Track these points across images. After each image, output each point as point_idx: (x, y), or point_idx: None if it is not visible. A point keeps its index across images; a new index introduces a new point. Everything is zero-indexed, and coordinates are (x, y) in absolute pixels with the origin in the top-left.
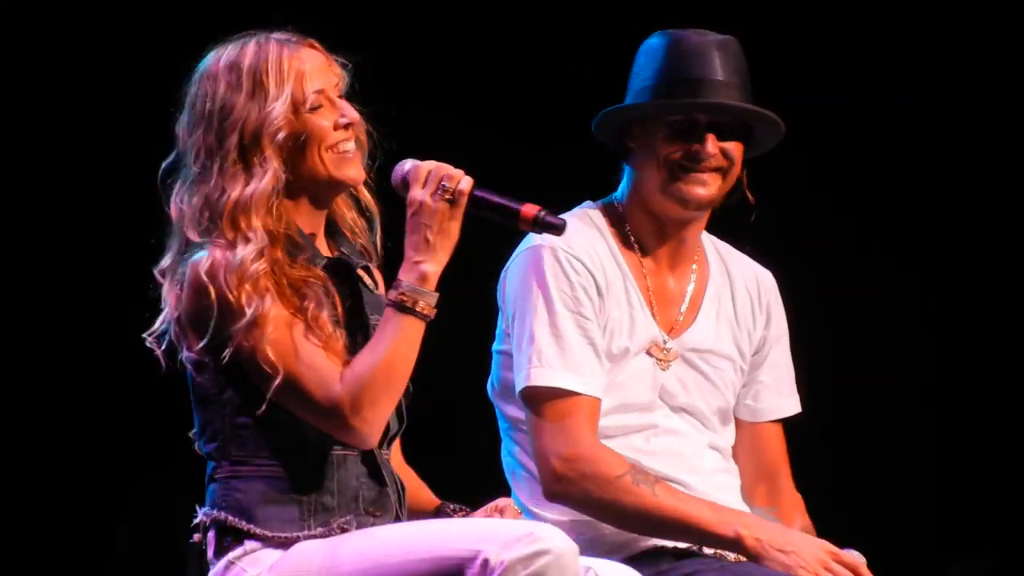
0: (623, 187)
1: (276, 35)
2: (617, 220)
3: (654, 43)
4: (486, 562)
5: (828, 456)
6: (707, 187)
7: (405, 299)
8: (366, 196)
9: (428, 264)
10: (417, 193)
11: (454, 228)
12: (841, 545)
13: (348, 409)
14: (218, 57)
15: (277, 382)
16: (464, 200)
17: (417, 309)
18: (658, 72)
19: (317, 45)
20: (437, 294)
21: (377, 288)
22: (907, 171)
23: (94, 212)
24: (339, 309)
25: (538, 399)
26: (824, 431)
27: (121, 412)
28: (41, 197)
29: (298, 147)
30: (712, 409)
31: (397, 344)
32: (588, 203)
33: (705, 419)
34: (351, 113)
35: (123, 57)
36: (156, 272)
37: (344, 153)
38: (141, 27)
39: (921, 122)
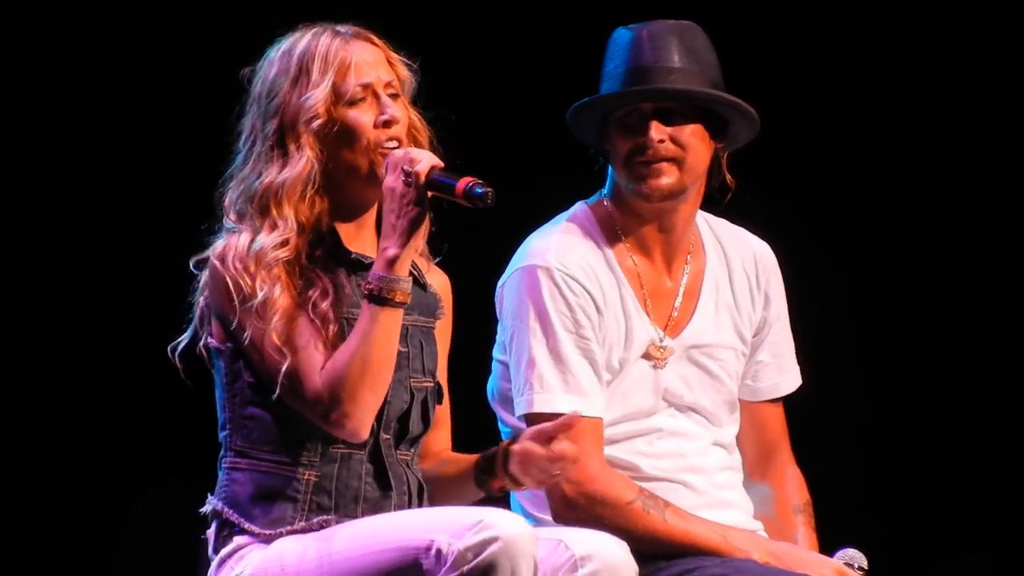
0: (607, 186)
1: (338, 27)
2: (607, 219)
3: (613, 37)
4: (439, 551)
5: (828, 442)
6: (664, 177)
7: (372, 288)
8: None
9: (392, 249)
10: (387, 180)
11: (415, 211)
12: (840, 541)
13: (327, 401)
14: (280, 44)
15: (276, 370)
16: (420, 182)
17: (385, 296)
18: (613, 67)
19: (377, 41)
20: (405, 279)
21: (425, 285)
22: (905, 148)
23: (104, 215)
24: (343, 303)
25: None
26: (824, 416)
27: (127, 414)
28: (49, 200)
29: (337, 139)
30: (717, 404)
31: (368, 335)
32: (580, 204)
33: (711, 415)
34: (393, 111)
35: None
36: (192, 263)
37: (387, 152)
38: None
39: (916, 104)
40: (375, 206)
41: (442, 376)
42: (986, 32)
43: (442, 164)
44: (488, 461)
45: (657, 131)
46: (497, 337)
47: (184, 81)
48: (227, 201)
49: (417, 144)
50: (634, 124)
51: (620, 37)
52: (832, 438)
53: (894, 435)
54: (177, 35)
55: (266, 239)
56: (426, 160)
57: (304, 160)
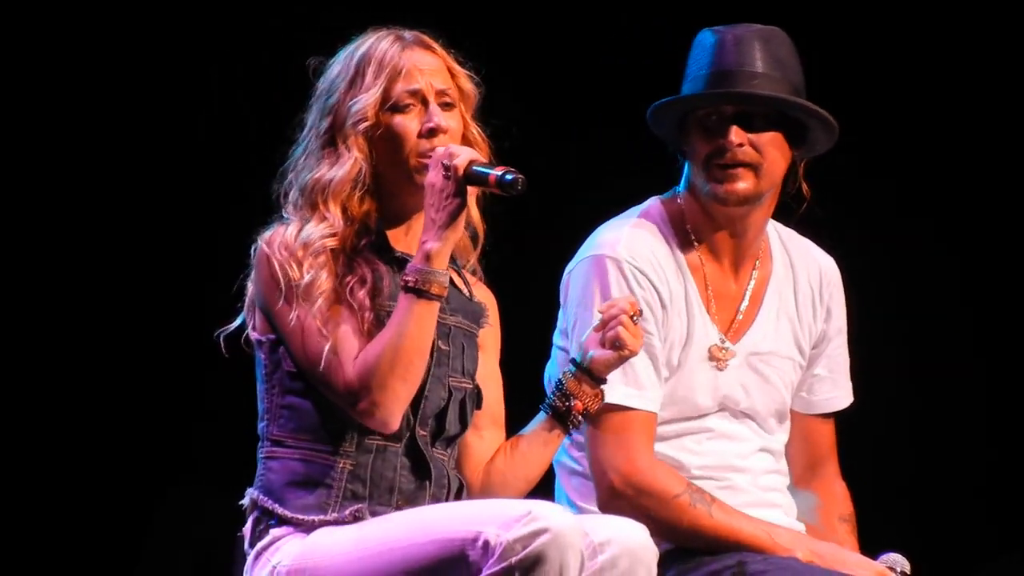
0: (683, 183)
1: (403, 33)
2: (678, 217)
3: (698, 39)
4: (486, 543)
5: (869, 445)
6: (741, 181)
7: (410, 280)
8: (472, 211)
9: (431, 242)
10: (428, 176)
11: (455, 203)
12: (883, 545)
13: (358, 390)
14: (348, 45)
15: (318, 351)
16: (459, 175)
17: (422, 288)
18: (696, 68)
19: (438, 49)
20: (443, 272)
21: (471, 295)
22: (958, 159)
23: (135, 212)
24: (382, 299)
25: (598, 412)
26: (863, 420)
27: (156, 412)
28: (79, 200)
29: (381, 142)
30: (770, 411)
31: (403, 326)
32: (654, 199)
33: (763, 421)
34: (439, 120)
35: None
36: (252, 250)
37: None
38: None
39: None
40: (422, 211)
41: (495, 386)
42: None
43: (483, 159)
44: (556, 399)
45: (737, 135)
46: (558, 323)
47: (188, 78)
48: (284, 191)
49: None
50: (714, 127)
51: (704, 39)
52: (872, 441)
53: (933, 437)
54: (214, 31)
55: (314, 229)
56: (465, 154)
57: (352, 161)
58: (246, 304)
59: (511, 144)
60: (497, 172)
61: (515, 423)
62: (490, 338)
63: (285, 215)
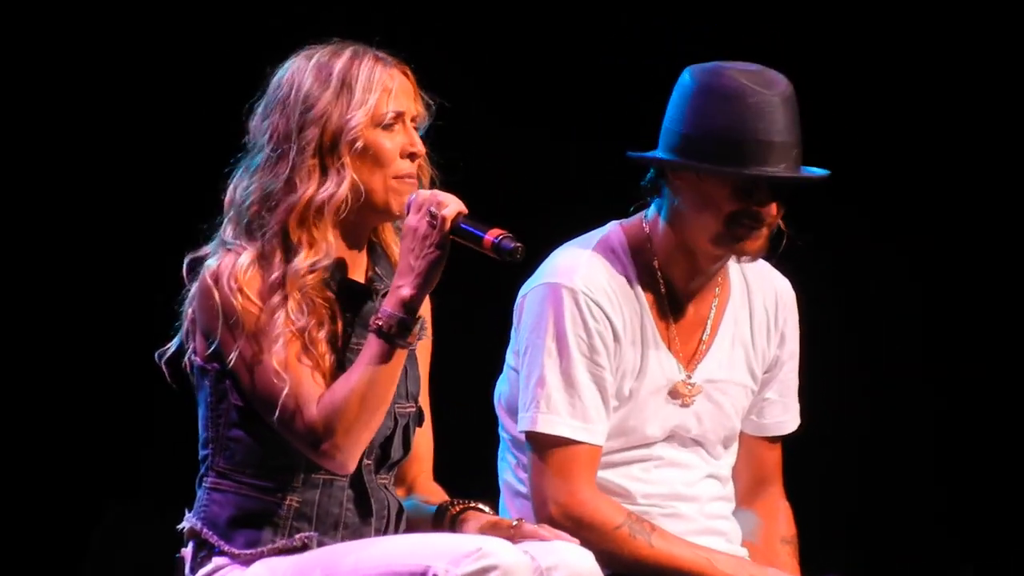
0: (657, 213)
1: (377, 52)
2: (643, 244)
3: (709, 84)
4: None
5: (821, 467)
6: (761, 240)
7: (382, 324)
8: None
9: (407, 289)
10: (410, 219)
11: (436, 254)
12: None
13: (321, 433)
14: (310, 55)
15: (274, 394)
16: (446, 226)
17: (394, 335)
18: (722, 125)
19: (409, 73)
20: (416, 318)
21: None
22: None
23: (75, 225)
24: (339, 333)
25: (542, 443)
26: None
27: (95, 428)
28: (18, 209)
29: (367, 161)
30: (719, 437)
31: (371, 371)
32: (614, 225)
33: (712, 447)
34: (419, 145)
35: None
36: (184, 270)
37: (407, 184)
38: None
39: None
40: (370, 232)
41: (424, 400)
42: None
43: (467, 211)
44: (441, 513)
45: (778, 208)
46: (510, 344)
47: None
48: (237, 205)
49: (420, 182)
50: (748, 190)
51: (717, 86)
52: (823, 463)
53: (883, 458)
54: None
55: (301, 262)
56: (453, 205)
57: (347, 182)
58: (185, 327)
59: (507, 145)
60: (492, 236)
61: (467, 440)
62: (423, 354)
63: (228, 241)
